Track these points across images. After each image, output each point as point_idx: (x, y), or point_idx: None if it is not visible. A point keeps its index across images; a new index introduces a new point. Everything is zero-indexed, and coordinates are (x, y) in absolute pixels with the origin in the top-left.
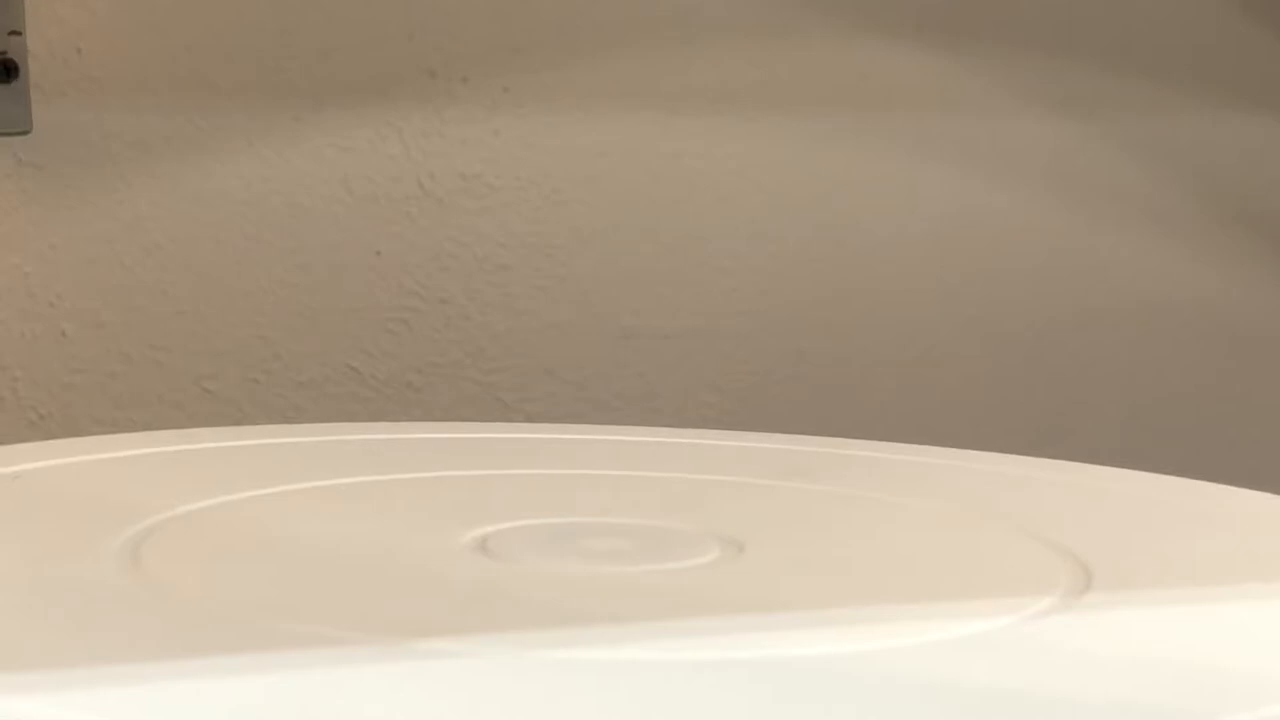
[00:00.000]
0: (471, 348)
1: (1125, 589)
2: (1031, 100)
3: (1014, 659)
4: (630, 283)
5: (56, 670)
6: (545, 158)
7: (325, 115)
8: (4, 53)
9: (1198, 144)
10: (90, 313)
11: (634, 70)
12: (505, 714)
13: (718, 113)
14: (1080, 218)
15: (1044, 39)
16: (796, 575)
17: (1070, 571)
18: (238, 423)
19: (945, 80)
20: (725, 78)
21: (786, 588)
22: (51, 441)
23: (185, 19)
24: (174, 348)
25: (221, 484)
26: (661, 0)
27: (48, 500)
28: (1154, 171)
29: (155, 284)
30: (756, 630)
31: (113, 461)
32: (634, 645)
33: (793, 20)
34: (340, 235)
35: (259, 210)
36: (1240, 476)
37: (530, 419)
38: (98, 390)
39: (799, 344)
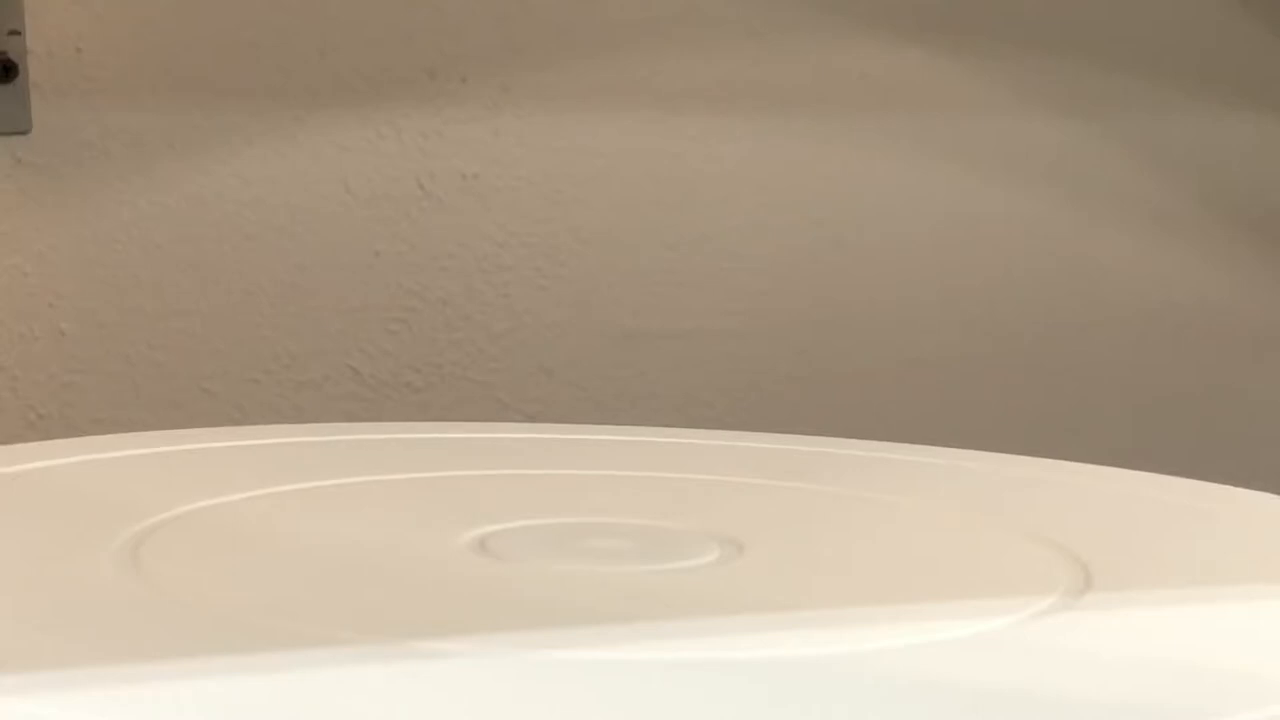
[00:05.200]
0: (471, 348)
1: (1125, 589)
2: (1033, 100)
3: (1014, 659)
4: (630, 283)
5: (56, 670)
6: (545, 158)
7: (325, 115)
8: (4, 52)
9: (1199, 144)
10: (90, 313)
11: (634, 70)
12: (505, 714)
13: (718, 113)
14: (1081, 217)
15: (1045, 39)
16: (796, 575)
17: (1070, 571)
18: (238, 423)
19: (945, 80)
20: (725, 78)
21: (786, 588)
22: (51, 441)
23: (185, 19)
24: (174, 348)
25: (221, 484)
26: (661, 0)
27: (48, 500)
28: (1155, 171)
29: (155, 284)
30: (756, 630)
31: (113, 461)
32: (634, 645)
33: (793, 20)
34: (340, 235)
35: (259, 210)
36: (1240, 476)
37: (530, 419)
38: (98, 390)
39: (799, 344)
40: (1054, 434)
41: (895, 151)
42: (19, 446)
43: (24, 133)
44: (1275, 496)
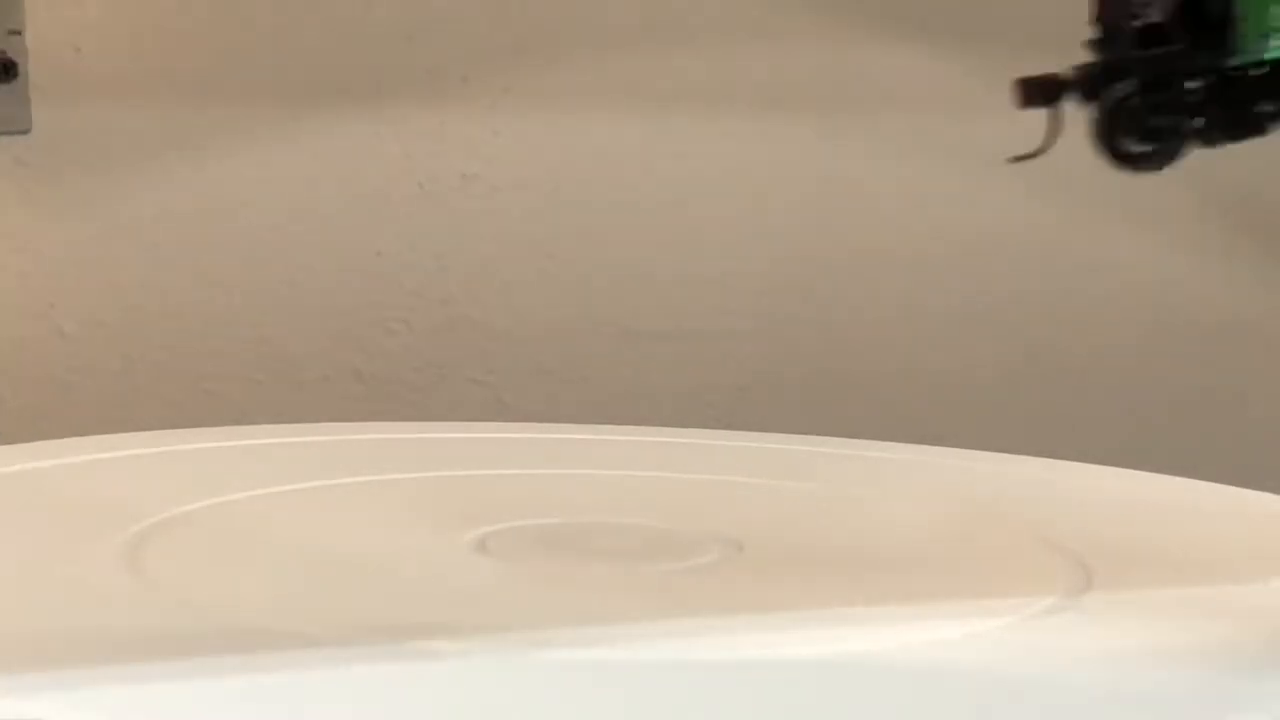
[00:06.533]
0: (471, 348)
1: (1125, 589)
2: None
3: (1014, 659)
4: (630, 283)
5: (56, 670)
6: (545, 158)
7: (325, 115)
8: (4, 52)
9: None
10: (90, 313)
11: (634, 70)
12: (505, 714)
13: (718, 113)
14: (1081, 218)
15: (1044, 39)
16: (796, 575)
17: (1070, 571)
18: (238, 423)
19: (945, 80)
20: (725, 78)
21: (786, 588)
22: (51, 441)
23: (185, 19)
24: (174, 348)
25: (221, 484)
26: (661, 0)
27: (48, 500)
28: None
29: (155, 284)
30: (756, 630)
31: (113, 461)
32: (634, 645)
33: (793, 20)
34: (340, 235)
35: (259, 210)
36: (1240, 476)
37: (530, 419)
38: (98, 390)
39: (799, 344)
40: (1054, 434)
41: (895, 151)
42: (19, 446)
43: (24, 133)
44: (1275, 496)
